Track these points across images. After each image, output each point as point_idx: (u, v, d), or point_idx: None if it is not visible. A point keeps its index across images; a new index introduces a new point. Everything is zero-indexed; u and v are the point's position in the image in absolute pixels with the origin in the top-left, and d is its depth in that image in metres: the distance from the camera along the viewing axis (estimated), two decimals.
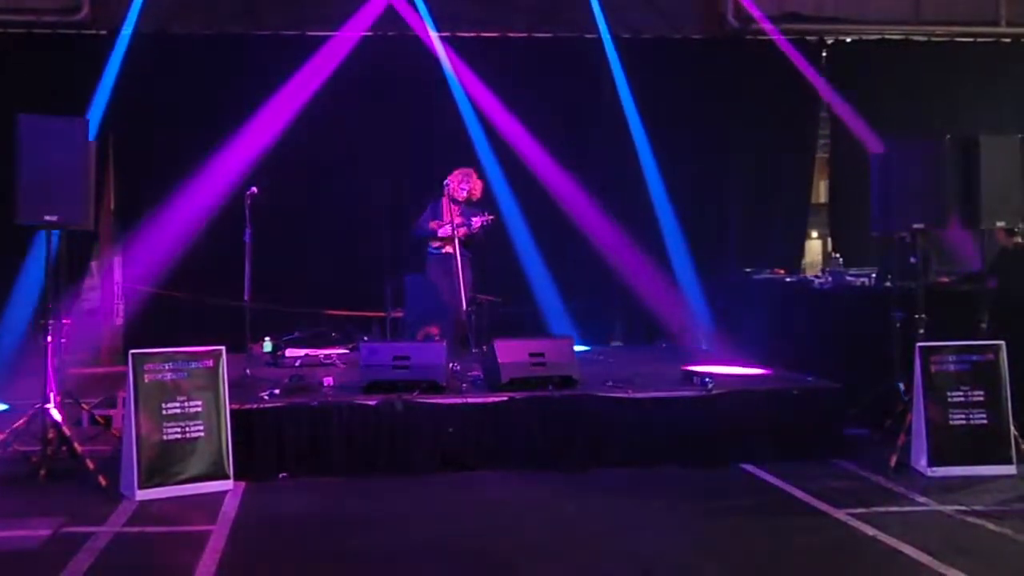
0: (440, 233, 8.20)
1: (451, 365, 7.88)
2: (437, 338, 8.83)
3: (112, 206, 11.60)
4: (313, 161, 11.49)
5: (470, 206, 8.79)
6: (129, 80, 11.24)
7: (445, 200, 8.48)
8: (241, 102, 11.48)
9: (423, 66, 11.65)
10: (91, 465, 6.49)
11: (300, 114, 11.49)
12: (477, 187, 8.66)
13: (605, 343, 11.84)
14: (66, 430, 6.67)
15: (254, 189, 8.22)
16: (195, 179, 11.53)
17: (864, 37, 12.42)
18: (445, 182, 8.51)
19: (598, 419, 7.11)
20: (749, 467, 7.03)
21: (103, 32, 11.38)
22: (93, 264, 11.73)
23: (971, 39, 12.32)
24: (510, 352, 7.45)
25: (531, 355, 7.45)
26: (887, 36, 12.35)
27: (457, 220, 8.28)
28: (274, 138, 11.48)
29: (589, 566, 5.18)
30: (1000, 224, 7.68)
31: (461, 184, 8.59)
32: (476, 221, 8.37)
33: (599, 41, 12.23)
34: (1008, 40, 12.48)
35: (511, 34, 12.08)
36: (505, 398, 7.14)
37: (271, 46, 11.67)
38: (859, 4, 12.36)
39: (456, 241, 8.28)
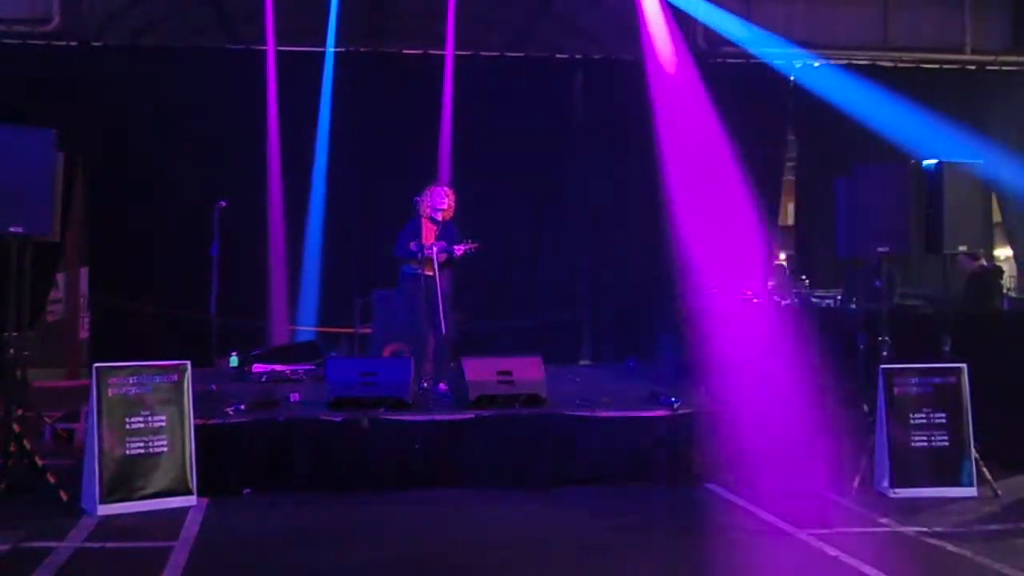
0: (420, 258, 7.99)
1: (419, 382, 7.86)
2: (405, 355, 8.76)
3: (80, 218, 11.49)
4: (283, 175, 11.46)
5: (446, 223, 8.62)
6: (99, 92, 11.18)
7: (423, 219, 8.28)
8: (212, 115, 11.44)
9: (396, 83, 11.67)
10: (52, 479, 6.41)
11: (271, 129, 11.48)
12: (451, 204, 8.50)
13: (573, 361, 11.86)
14: (27, 443, 6.58)
15: (223, 203, 8.17)
16: (163, 192, 11.48)
17: (832, 62, 12.56)
18: (416, 200, 8.33)
19: (565, 437, 7.11)
20: (713, 487, 7.06)
21: (74, 43, 11.31)
22: (59, 276, 11.62)
23: (937, 65, 12.48)
24: (478, 370, 7.45)
25: (499, 373, 7.44)
26: (854, 61, 12.49)
27: (440, 245, 8.15)
28: (244, 152, 11.46)
29: None
30: (962, 249, 7.78)
31: (435, 201, 8.43)
32: (459, 249, 8.20)
33: (570, 62, 12.33)
34: (973, 67, 12.67)
35: (483, 53, 12.12)
36: (472, 416, 7.14)
37: (243, 60, 11.64)
38: (828, 29, 12.50)
39: (436, 264, 8.10)
